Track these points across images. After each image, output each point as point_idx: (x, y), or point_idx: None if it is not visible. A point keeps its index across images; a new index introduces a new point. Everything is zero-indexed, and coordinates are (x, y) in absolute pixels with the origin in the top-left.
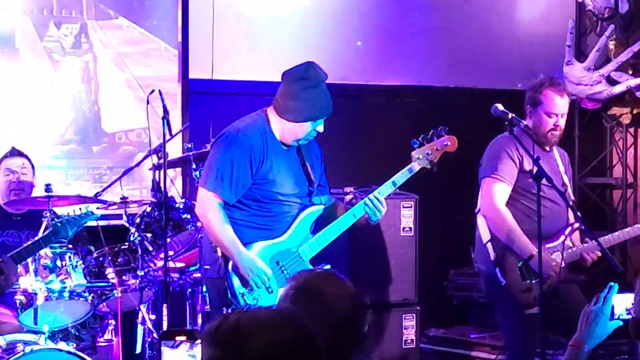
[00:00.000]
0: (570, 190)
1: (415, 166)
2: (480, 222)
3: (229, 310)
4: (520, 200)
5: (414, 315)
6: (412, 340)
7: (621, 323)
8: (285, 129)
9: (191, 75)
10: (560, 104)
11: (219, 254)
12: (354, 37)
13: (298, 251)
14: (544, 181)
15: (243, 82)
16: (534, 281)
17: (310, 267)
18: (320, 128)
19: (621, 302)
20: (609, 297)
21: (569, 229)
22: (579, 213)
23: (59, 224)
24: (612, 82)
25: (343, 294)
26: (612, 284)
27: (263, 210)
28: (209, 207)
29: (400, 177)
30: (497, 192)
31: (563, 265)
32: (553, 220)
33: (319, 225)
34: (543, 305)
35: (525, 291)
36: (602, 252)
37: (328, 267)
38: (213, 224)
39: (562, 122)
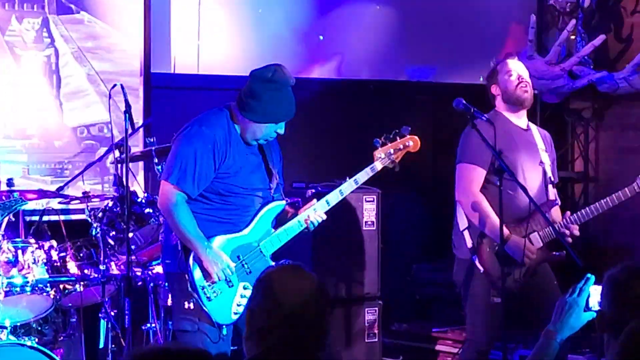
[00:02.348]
0: (549, 168)
1: (378, 165)
2: (459, 210)
3: (190, 304)
4: (494, 182)
5: (377, 309)
6: (374, 334)
7: (594, 314)
8: (245, 127)
9: (153, 70)
10: (514, 63)
11: (180, 248)
12: (315, 31)
13: (259, 246)
14: (515, 161)
15: (205, 76)
16: (513, 264)
17: (271, 262)
18: (281, 131)
19: (596, 294)
20: (585, 289)
21: (542, 208)
22: (555, 191)
23: None
24: (573, 76)
25: (296, 290)
26: (589, 275)
27: (225, 203)
28: (172, 200)
29: (362, 175)
30: (471, 177)
31: (540, 245)
32: (527, 203)
33: (279, 221)
34: (505, 295)
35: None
36: (564, 247)
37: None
38: (176, 218)
39: (526, 78)
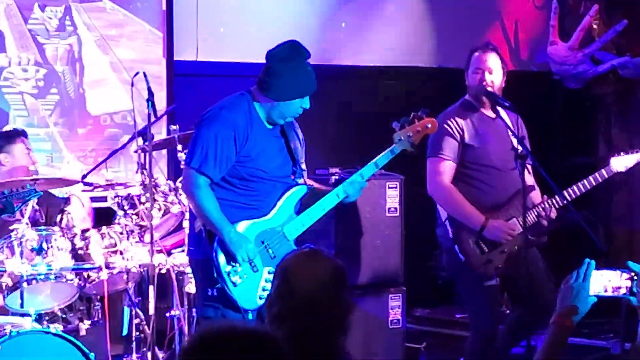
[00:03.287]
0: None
1: (397, 148)
2: None
3: (214, 291)
4: (467, 174)
5: (400, 295)
6: (398, 320)
7: (595, 299)
8: (272, 108)
9: (176, 57)
10: (481, 59)
11: (204, 234)
12: (338, 17)
13: (283, 230)
14: (487, 151)
15: (228, 63)
16: (493, 251)
17: (294, 246)
18: (306, 105)
19: (598, 279)
20: (589, 274)
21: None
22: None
23: (4, 200)
24: (596, 61)
25: (309, 276)
26: (588, 260)
27: (248, 189)
28: (195, 184)
29: (383, 158)
30: (441, 170)
31: (520, 230)
32: (504, 190)
33: (302, 205)
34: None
35: (485, 264)
36: (586, 231)
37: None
38: (200, 201)
39: (490, 78)
